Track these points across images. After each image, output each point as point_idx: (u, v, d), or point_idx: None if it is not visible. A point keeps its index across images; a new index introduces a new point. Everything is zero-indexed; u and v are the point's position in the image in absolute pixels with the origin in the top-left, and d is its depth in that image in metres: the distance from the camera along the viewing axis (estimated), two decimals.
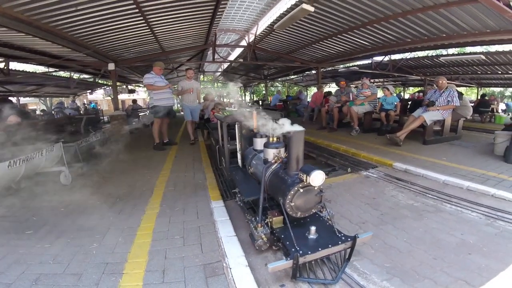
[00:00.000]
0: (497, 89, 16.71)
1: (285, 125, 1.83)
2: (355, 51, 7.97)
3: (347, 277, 1.63)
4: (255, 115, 2.56)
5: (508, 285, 1.57)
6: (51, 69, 9.00)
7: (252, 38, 7.54)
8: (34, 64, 8.17)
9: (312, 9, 4.60)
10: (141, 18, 4.98)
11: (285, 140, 2.22)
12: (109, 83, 11.67)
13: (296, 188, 1.69)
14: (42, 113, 10.93)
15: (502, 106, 11.72)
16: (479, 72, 10.45)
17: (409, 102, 7.57)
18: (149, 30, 5.71)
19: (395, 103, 6.51)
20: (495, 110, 9.91)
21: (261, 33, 7.38)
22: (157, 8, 4.79)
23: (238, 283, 1.50)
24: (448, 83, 5.66)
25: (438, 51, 9.33)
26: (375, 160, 4.33)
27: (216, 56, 8.19)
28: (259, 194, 1.97)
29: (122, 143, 6.92)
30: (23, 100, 13.12)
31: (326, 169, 4.60)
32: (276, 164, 2.04)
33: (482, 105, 9.36)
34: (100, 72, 8.67)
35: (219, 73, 15.24)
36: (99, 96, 21.61)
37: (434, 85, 6.32)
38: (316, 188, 1.72)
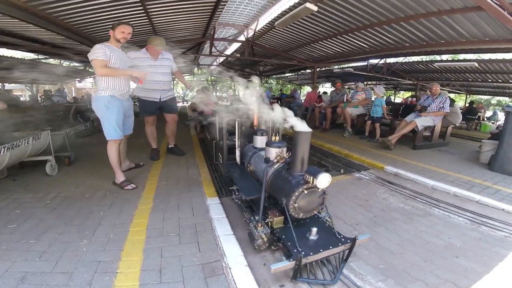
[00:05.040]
0: (484, 97, 17.32)
1: (295, 124, 1.79)
2: (353, 53, 8.04)
3: (345, 278, 1.66)
4: (256, 111, 2.54)
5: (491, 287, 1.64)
6: (40, 56, 8.64)
7: (251, 33, 7.45)
8: (22, 51, 7.77)
9: (315, 8, 4.58)
10: (141, 7, 4.82)
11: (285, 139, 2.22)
12: None
13: (300, 190, 1.70)
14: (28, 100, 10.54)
15: (488, 114, 12.17)
16: (470, 80, 10.77)
17: (402, 107, 7.73)
18: (147, 19, 5.53)
19: (382, 106, 6.18)
20: (481, 118, 10.28)
21: (260, 29, 7.30)
22: None
23: (239, 283, 1.49)
24: (441, 89, 5.80)
25: (432, 57, 9.53)
26: (367, 162, 4.40)
27: (213, 49, 8.06)
28: (259, 193, 1.96)
29: None
30: (8, 86, 12.54)
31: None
32: (278, 164, 2.03)
33: (470, 113, 9.69)
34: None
35: (214, 67, 15.03)
36: (87, 85, 20.89)
37: (427, 91, 6.45)
38: (320, 189, 1.73)
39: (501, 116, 12.82)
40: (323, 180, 1.61)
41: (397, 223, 2.44)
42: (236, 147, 2.78)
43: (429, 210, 2.74)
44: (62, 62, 9.33)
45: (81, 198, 2.79)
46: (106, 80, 2.93)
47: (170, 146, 4.44)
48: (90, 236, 2.05)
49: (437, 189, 3.29)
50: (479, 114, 10.04)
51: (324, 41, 7.44)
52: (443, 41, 5.51)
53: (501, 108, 18.25)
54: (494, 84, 10.39)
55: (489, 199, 2.88)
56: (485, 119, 10.62)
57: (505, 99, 18.42)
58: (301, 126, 1.73)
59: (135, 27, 6.01)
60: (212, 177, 3.45)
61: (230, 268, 1.61)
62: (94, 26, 5.33)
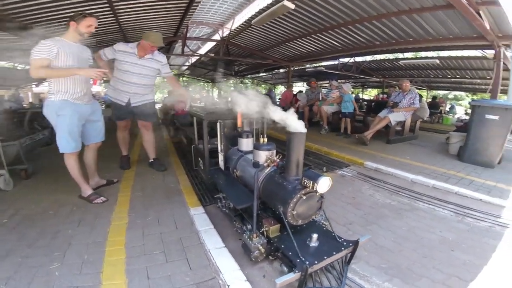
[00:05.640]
0: (441, 92, 18.79)
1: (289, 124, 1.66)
2: (325, 52, 8.19)
3: (350, 281, 1.60)
4: (240, 112, 2.38)
5: (493, 279, 1.68)
6: None
7: (226, 32, 7.23)
8: None
9: (292, 6, 4.55)
10: (107, 4, 4.40)
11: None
12: None
13: (298, 196, 1.59)
14: None
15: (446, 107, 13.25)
16: (431, 76, 11.54)
17: (373, 104, 8.05)
18: (113, 17, 5.08)
19: (352, 101, 6.39)
20: (443, 112, 11.12)
21: (236, 28, 7.12)
22: None
23: None
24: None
25: (396, 55, 10.07)
26: (347, 159, 4.46)
27: (185, 49, 7.71)
28: (251, 201, 1.82)
29: None
30: None
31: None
32: (269, 168, 1.90)
33: (433, 107, 10.41)
34: None
35: (186, 67, 14.51)
36: (46, 89, 19.06)
37: (397, 87, 6.77)
38: (318, 194, 1.63)
39: (458, 110, 14.02)
40: (324, 184, 1.52)
41: (388, 220, 2.45)
42: (219, 151, 2.58)
43: (414, 204, 2.80)
44: (15, 65, 8.35)
45: (44, 216, 2.43)
46: (56, 81, 2.45)
47: (150, 161, 3.89)
48: (61, 258, 1.77)
49: (417, 183, 3.40)
50: (440, 108, 10.84)
51: (299, 40, 7.48)
52: (411, 39, 5.81)
53: (457, 102, 19.98)
54: (452, 79, 11.28)
55: (466, 190, 3.02)
56: (446, 113, 11.49)
57: (461, 94, 20.21)
58: (296, 125, 1.61)
59: (99, 26, 5.53)
60: (192, 185, 3.20)
61: (228, 286, 1.46)
62: (54, 25, 4.77)
